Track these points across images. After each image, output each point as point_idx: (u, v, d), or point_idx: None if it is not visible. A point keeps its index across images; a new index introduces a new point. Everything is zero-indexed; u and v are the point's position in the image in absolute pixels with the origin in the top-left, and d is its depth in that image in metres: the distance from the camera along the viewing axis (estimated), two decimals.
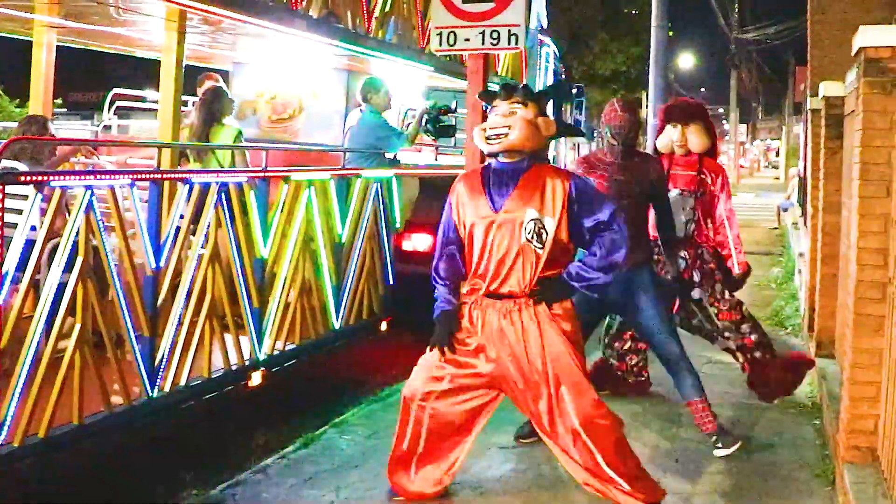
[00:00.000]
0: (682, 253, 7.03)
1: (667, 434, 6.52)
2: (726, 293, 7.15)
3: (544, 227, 4.85)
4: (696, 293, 7.10)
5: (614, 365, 7.35)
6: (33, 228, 5.09)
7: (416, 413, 5.08)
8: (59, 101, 10.89)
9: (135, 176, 5.75)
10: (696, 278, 7.08)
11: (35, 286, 5.36)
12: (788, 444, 6.36)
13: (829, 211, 7.82)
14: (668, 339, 6.19)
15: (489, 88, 5.16)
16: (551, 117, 5.14)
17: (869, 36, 4.86)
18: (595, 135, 21.84)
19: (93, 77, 27.34)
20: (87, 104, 27.64)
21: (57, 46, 8.80)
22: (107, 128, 11.19)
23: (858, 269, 4.96)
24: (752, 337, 7.18)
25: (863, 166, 4.94)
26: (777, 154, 74.13)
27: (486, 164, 5.18)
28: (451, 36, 7.61)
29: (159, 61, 7.41)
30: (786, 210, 22.88)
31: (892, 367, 4.65)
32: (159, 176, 5.92)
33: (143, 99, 11.53)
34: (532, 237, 4.85)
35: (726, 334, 7.17)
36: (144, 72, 17.13)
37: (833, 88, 7.68)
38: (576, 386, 4.90)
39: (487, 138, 4.97)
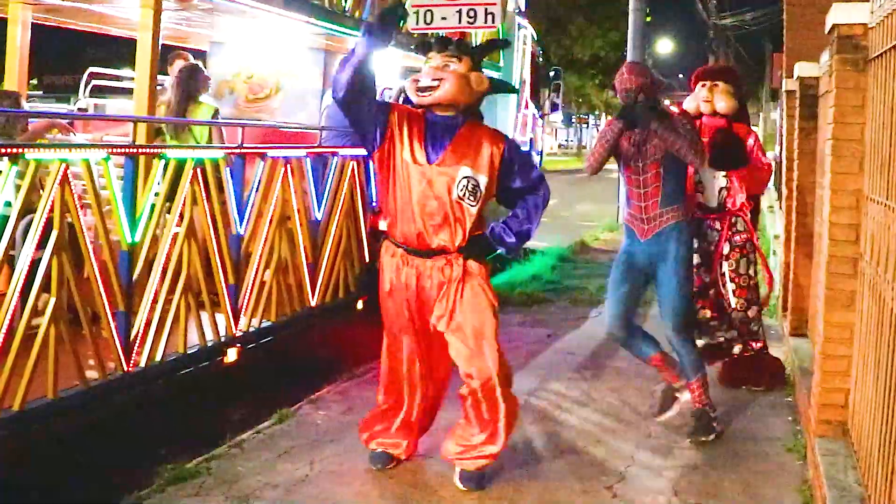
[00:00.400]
0: (717, 224, 7.09)
1: (641, 410, 6.56)
2: (750, 269, 7.19)
3: (478, 184, 4.92)
4: (724, 266, 7.14)
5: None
6: (7, 204, 5.07)
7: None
8: (34, 82, 10.81)
9: (110, 150, 5.72)
10: (726, 251, 7.11)
11: (9, 263, 5.35)
12: (760, 419, 6.42)
13: (803, 191, 7.87)
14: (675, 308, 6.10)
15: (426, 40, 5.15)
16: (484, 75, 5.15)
17: (842, 13, 4.89)
18: (573, 119, 21.90)
19: (68, 59, 27.16)
20: (63, 87, 27.49)
21: (32, 28, 8.75)
22: (82, 110, 11.13)
23: (830, 245, 5.00)
24: (754, 327, 7.27)
25: (835, 143, 4.97)
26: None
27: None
28: (429, 14, 7.65)
29: (136, 41, 7.37)
30: (762, 194, 22.94)
31: (863, 341, 4.69)
32: (135, 150, 5.91)
33: (119, 79, 11.46)
34: (464, 194, 4.90)
35: (730, 321, 7.27)
36: (120, 53, 17.07)
37: (808, 69, 7.71)
38: (489, 342, 5.02)
39: (418, 90, 4.98)
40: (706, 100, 7.11)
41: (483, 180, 4.92)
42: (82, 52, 27.67)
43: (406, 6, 5.01)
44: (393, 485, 5.20)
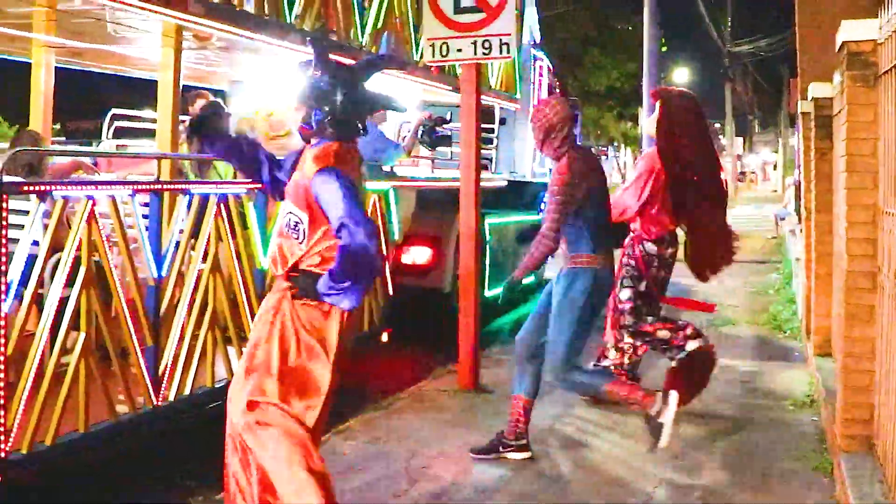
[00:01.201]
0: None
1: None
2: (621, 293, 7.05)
3: (300, 221, 4.29)
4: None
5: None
6: (35, 243, 5.16)
7: None
8: (56, 126, 10.99)
9: (136, 187, 5.83)
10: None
11: (38, 301, 5.44)
12: (786, 438, 6.43)
13: (822, 210, 7.91)
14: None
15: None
16: None
17: (851, 30, 4.96)
18: (593, 151, 21.95)
19: (89, 104, 27.38)
20: (85, 131, 27.71)
21: (55, 72, 8.91)
22: None
23: (849, 260, 5.04)
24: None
25: (849, 158, 5.03)
26: (774, 167, 74.25)
27: None
28: (444, 47, 7.72)
29: (156, 82, 7.51)
30: (783, 219, 22.98)
31: (885, 355, 4.72)
32: (160, 187, 6.01)
33: (140, 119, 11.62)
34: (287, 229, 4.36)
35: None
36: (140, 96, 17.24)
37: (821, 90, 7.78)
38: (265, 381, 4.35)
39: None
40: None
41: (304, 218, 4.28)
42: (102, 97, 27.91)
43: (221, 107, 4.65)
44: None
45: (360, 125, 4.49)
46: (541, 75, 14.97)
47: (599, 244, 5.92)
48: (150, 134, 10.93)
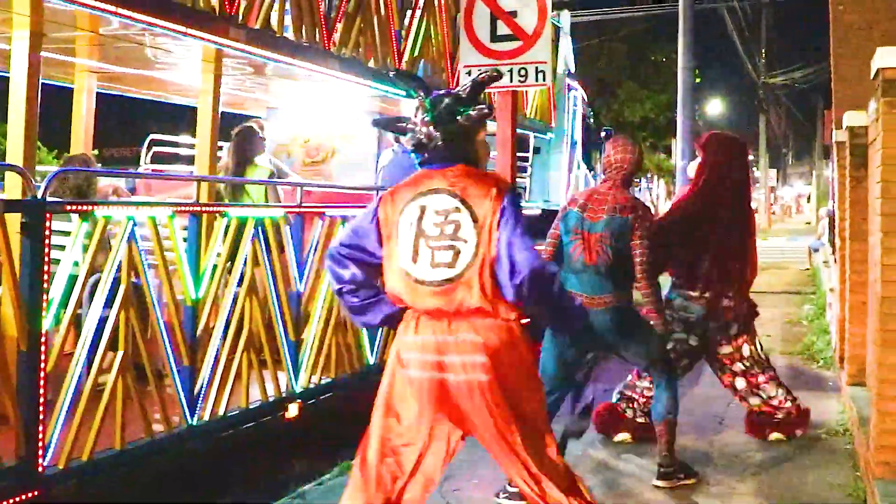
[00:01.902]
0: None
1: (700, 459, 6.57)
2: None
3: None
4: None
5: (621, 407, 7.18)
6: (75, 264, 5.26)
7: None
8: (94, 153, 11.13)
9: (175, 208, 5.92)
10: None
11: (76, 322, 5.54)
12: (820, 466, 6.40)
13: (857, 239, 7.88)
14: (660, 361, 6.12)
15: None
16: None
17: (886, 57, 4.99)
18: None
19: (126, 132, 27.72)
20: (122, 158, 28.02)
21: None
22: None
23: (883, 286, 5.04)
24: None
25: (884, 185, 5.04)
26: (808, 199, 73.90)
27: None
28: None
29: (193, 109, 7.62)
30: (816, 250, 22.84)
31: None
32: (199, 208, 6.10)
33: (177, 145, 11.77)
34: None
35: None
36: (176, 123, 17.46)
37: (856, 118, 7.77)
38: None
39: None
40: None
41: None
42: (140, 124, 28.27)
43: None
44: None
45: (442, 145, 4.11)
46: (575, 105, 15.03)
47: None
48: (188, 160, 11.09)
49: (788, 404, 7.09)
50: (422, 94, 4.16)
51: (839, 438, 7.06)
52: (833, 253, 13.58)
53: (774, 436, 7.04)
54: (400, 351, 4.03)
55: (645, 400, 6.95)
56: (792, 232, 47.78)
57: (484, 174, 4.12)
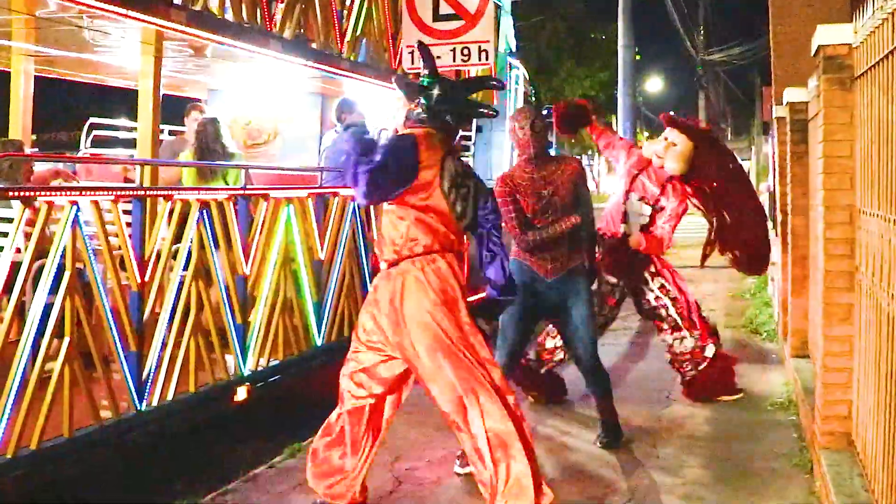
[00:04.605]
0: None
1: (647, 432, 6.65)
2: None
3: None
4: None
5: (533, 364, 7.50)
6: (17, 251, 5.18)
7: None
8: (33, 138, 10.88)
9: (118, 192, 5.85)
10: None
11: (20, 310, 5.45)
12: (766, 437, 6.50)
13: (798, 214, 7.99)
14: (592, 344, 6.40)
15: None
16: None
17: (827, 34, 5.04)
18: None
19: (64, 116, 27.31)
20: (60, 143, 27.59)
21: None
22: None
23: (826, 260, 5.11)
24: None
25: (826, 160, 5.10)
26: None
27: None
28: None
29: (132, 92, 7.53)
30: None
31: (863, 352, 4.80)
32: (143, 193, 6.03)
33: (116, 129, 11.62)
34: None
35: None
36: (115, 107, 17.22)
37: (796, 94, 7.87)
38: None
39: None
40: (658, 156, 7.33)
41: None
42: (78, 109, 27.85)
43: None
44: None
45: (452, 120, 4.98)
46: (517, 84, 15.03)
47: None
48: (128, 143, 10.97)
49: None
50: (427, 71, 5.00)
51: (784, 410, 7.17)
52: (773, 227, 13.76)
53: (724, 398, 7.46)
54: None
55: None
56: None
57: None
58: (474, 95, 5.78)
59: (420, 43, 5.55)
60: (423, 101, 4.92)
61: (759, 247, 7.34)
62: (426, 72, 5.02)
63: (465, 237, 5.09)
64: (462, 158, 5.07)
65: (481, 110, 5.36)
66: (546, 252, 6.14)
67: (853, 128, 4.98)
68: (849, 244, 5.02)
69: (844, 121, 5.03)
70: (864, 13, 4.62)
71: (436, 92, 4.92)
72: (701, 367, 7.44)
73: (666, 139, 7.30)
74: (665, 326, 7.51)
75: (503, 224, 5.46)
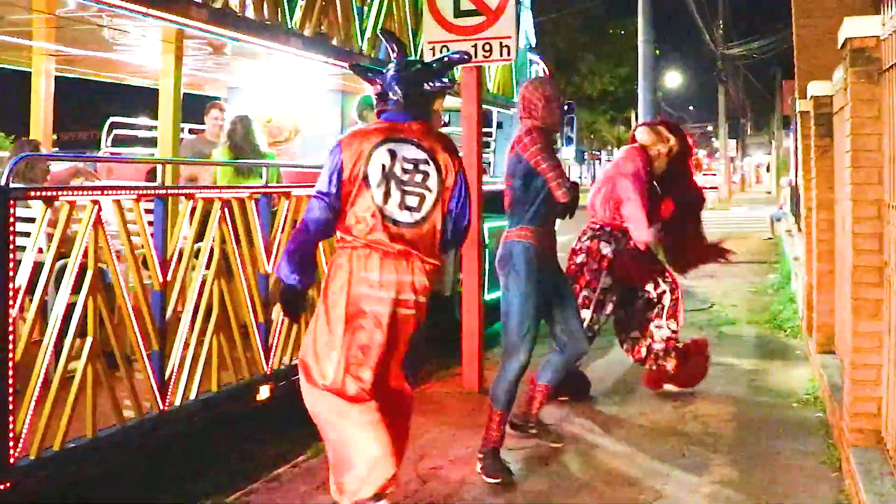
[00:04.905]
0: None
1: (673, 430, 6.60)
2: None
3: None
4: None
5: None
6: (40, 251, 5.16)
7: None
8: (53, 137, 10.89)
9: (140, 192, 5.83)
10: None
11: (43, 309, 5.43)
12: (792, 435, 6.44)
13: (823, 208, 7.92)
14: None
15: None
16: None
17: (854, 26, 4.98)
18: (585, 156, 21.99)
19: (84, 115, 27.43)
20: (80, 142, 27.73)
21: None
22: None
23: (855, 255, 5.05)
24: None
25: (854, 154, 5.04)
26: (767, 169, 74.36)
27: None
28: (444, 50, 7.71)
29: (152, 91, 7.52)
30: (778, 220, 23.01)
31: (891, 349, 4.74)
32: (164, 192, 6.01)
33: (135, 127, 11.63)
34: None
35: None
36: (136, 105, 17.28)
37: (821, 88, 7.80)
38: None
39: None
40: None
41: None
42: (98, 108, 27.94)
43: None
44: None
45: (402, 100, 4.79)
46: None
47: None
48: (147, 143, 10.97)
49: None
50: (396, 53, 4.88)
51: (810, 407, 7.11)
52: (796, 221, 13.67)
53: (667, 387, 7.63)
54: (358, 285, 4.56)
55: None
56: (752, 202, 48.14)
57: (445, 138, 4.85)
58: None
59: (384, 30, 5.59)
60: (378, 84, 4.83)
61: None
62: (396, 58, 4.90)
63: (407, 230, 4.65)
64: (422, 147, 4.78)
65: (435, 84, 4.87)
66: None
67: (881, 121, 4.92)
68: (877, 239, 4.96)
69: (872, 114, 4.97)
70: (892, 6, 4.56)
71: (389, 73, 4.81)
72: (672, 357, 7.52)
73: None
74: (655, 314, 7.53)
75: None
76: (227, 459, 6.39)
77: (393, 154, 4.60)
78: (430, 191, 4.64)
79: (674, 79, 57.62)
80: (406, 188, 4.60)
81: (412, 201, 4.60)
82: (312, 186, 4.83)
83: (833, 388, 6.44)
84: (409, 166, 4.61)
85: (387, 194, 4.56)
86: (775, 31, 34.98)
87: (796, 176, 14.49)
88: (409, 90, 4.77)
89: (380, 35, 5.22)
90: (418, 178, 4.62)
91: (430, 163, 4.65)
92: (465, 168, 4.88)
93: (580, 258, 7.40)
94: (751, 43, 40.03)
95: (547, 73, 15.90)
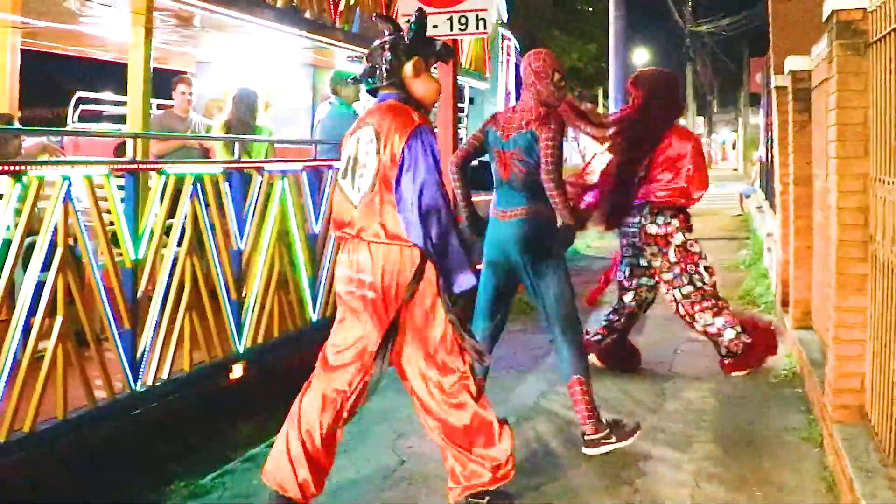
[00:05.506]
0: None
1: (651, 407, 6.55)
2: None
3: None
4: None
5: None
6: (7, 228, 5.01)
7: None
8: (19, 113, 10.70)
9: (111, 166, 5.69)
10: None
11: (11, 288, 5.28)
12: (773, 412, 6.42)
13: (801, 184, 7.89)
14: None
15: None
16: None
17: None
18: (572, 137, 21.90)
19: (49, 92, 27.05)
20: (45, 119, 27.32)
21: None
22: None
23: (839, 230, 5.00)
24: None
25: (840, 128, 4.99)
26: (734, 146, 74.59)
27: None
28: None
29: (118, 66, 7.36)
30: (748, 196, 23.06)
31: (875, 324, 4.70)
32: (136, 166, 5.87)
33: (101, 102, 11.45)
34: None
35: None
36: (101, 81, 17.02)
37: (799, 63, 7.75)
38: None
39: None
40: None
41: None
42: (63, 84, 27.58)
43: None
44: (406, 487, 5.19)
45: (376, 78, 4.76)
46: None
47: None
48: (118, 119, 10.79)
49: (731, 335, 7.34)
50: (386, 33, 4.78)
51: (788, 383, 7.08)
52: (767, 198, 13.67)
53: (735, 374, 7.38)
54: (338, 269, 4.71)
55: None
56: (720, 179, 48.25)
57: (408, 113, 4.58)
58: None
59: (377, 14, 5.46)
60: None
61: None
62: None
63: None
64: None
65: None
66: None
67: (867, 95, 4.87)
68: (863, 213, 4.91)
69: (858, 87, 4.92)
70: None
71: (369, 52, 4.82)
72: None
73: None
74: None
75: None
76: (201, 440, 6.27)
77: (358, 140, 4.65)
78: (366, 168, 4.56)
79: (642, 56, 57.58)
80: (357, 171, 4.61)
81: (359, 183, 4.59)
82: (285, 161, 4.77)
83: (813, 363, 6.41)
84: (364, 148, 4.59)
85: (352, 178, 4.64)
86: (745, 8, 35.04)
87: (767, 152, 14.49)
88: (389, 66, 4.68)
89: (375, 20, 5.06)
90: (362, 158, 4.59)
91: (374, 141, 4.56)
92: (423, 137, 4.52)
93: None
94: (719, 20, 40.13)
95: (518, 48, 15.83)
